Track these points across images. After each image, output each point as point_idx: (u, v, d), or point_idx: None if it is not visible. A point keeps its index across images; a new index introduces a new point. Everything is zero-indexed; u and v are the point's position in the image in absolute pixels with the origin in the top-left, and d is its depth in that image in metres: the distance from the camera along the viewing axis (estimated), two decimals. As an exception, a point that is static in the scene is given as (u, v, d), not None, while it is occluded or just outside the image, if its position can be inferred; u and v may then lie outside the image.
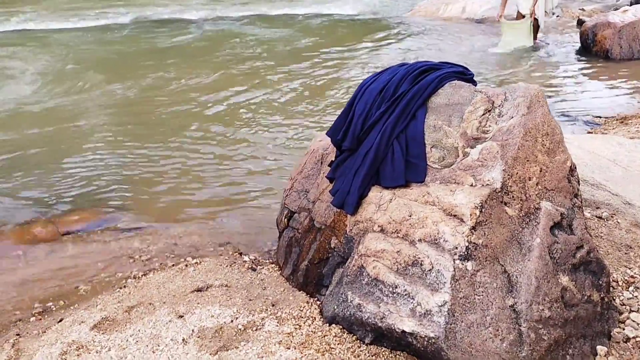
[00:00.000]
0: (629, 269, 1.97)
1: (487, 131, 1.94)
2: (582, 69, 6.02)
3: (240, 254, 2.77)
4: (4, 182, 3.57)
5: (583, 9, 8.94)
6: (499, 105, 1.97)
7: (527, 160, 1.85)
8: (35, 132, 4.46)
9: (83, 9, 10.86)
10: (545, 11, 6.96)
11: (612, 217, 2.24)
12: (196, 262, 2.64)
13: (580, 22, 7.79)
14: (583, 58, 6.44)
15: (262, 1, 12.31)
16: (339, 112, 4.21)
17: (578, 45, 6.83)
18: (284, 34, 8.55)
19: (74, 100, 5.29)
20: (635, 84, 5.34)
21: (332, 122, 2.32)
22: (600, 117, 4.47)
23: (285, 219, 2.53)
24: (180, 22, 9.75)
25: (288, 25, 9.35)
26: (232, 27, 9.16)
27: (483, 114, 1.98)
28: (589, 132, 4.09)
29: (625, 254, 2.04)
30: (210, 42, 8.01)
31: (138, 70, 6.34)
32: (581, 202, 1.92)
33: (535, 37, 7.03)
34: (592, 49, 6.55)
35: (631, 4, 8.18)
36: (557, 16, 8.70)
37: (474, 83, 2.24)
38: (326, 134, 2.41)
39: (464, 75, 2.25)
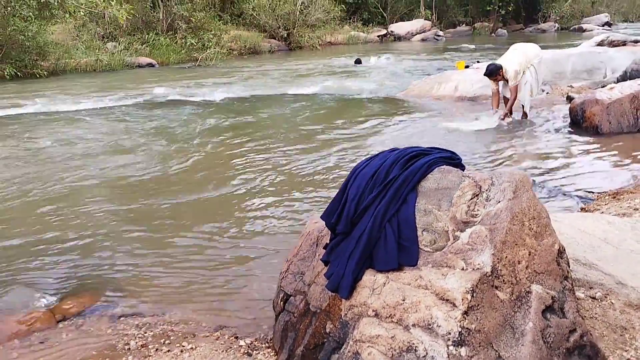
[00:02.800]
0: (625, 351, 1.96)
1: (476, 215, 1.99)
2: (573, 144, 6.17)
3: (237, 338, 2.75)
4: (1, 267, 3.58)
5: (571, 86, 9.26)
6: (486, 190, 2.04)
7: (516, 244, 1.90)
8: (34, 214, 4.52)
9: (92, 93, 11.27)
10: (531, 96, 7.25)
11: (605, 297, 2.25)
12: (191, 348, 2.62)
13: (569, 99, 8.06)
14: (573, 133, 6.61)
15: (260, 81, 12.81)
16: (332, 194, 4.30)
17: (568, 120, 7.03)
18: (279, 113, 8.83)
19: (73, 180, 5.40)
20: (625, 158, 5.46)
21: (326, 205, 2.38)
22: (593, 192, 4.54)
23: (281, 302, 2.53)
24: (178, 103, 10.11)
25: (282, 104, 9.67)
26: (227, 106, 9.48)
27: (471, 199, 2.04)
28: (582, 208, 4.15)
29: (621, 335, 2.04)
30: (189, 122, 8.24)
31: (135, 150, 6.51)
32: (572, 284, 1.95)
33: (525, 117, 7.28)
34: (582, 124, 6.75)
35: (617, 81, 8.49)
36: (547, 93, 9.01)
37: (462, 167, 2.32)
38: (320, 217, 2.47)
39: (452, 160, 2.34)
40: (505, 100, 7.22)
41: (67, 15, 15.58)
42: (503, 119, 7.05)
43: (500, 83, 7.11)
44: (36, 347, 2.67)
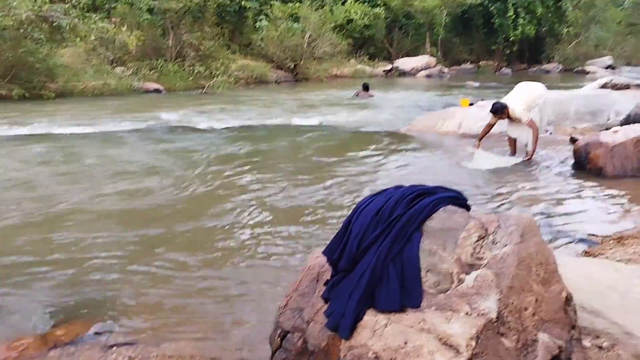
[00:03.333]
0: (634, 406, 1.89)
1: (481, 258, 1.95)
2: (576, 186, 6.14)
3: (231, 374, 2.67)
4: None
5: (575, 127, 9.29)
6: (493, 233, 2.00)
7: (522, 290, 1.85)
8: (29, 237, 4.47)
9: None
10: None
11: (612, 347, 2.18)
12: (185, 383, 2.54)
13: (573, 140, 8.07)
14: (577, 175, 6.59)
15: (265, 110, 12.89)
16: (333, 229, 4.25)
17: (571, 161, 7.02)
18: (281, 144, 8.85)
19: (70, 203, 5.37)
20: (629, 202, 5.42)
21: (328, 240, 2.34)
22: (596, 236, 4.49)
23: (279, 339, 2.47)
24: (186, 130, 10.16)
25: (286, 135, 9.69)
26: (230, 135, 9.51)
27: (477, 241, 2.00)
28: (585, 252, 4.09)
29: (629, 389, 1.97)
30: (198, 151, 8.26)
31: (134, 176, 6.49)
32: (579, 333, 1.89)
33: (529, 157, 7.28)
34: (585, 166, 6.73)
35: (621, 124, 8.52)
36: (550, 133, 9.03)
37: (468, 208, 2.29)
38: (322, 252, 2.43)
39: (458, 200, 2.31)
40: (510, 140, 7.24)
41: (78, 40, 15.80)
42: (528, 159, 7.06)
43: (507, 122, 7.13)
44: (25, 376, 2.60)
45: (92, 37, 16.98)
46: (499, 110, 6.94)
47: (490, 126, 7.24)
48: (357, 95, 15.68)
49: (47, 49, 15.31)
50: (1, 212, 5.12)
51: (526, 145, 7.29)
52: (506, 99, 7.13)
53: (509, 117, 6.99)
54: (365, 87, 15.69)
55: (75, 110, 12.85)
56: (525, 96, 7.04)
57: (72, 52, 18.27)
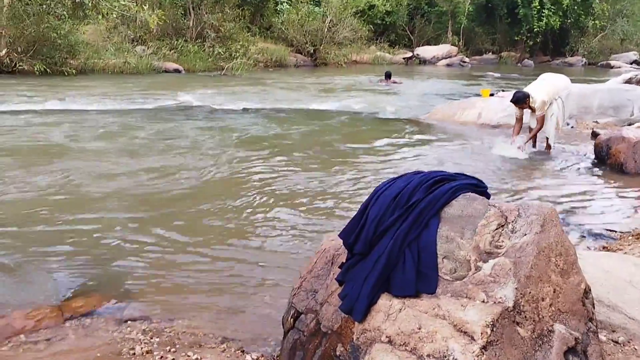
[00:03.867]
0: (648, 401, 1.87)
1: (500, 246, 1.93)
2: (596, 181, 6.06)
3: (243, 352, 2.69)
4: (12, 261, 3.58)
5: (597, 122, 9.14)
6: (512, 221, 1.97)
7: (540, 280, 1.83)
8: (49, 211, 4.53)
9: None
10: (557, 129, 7.15)
11: (629, 342, 2.16)
12: (197, 358, 2.57)
13: (594, 134, 7.94)
14: (597, 170, 6.49)
15: (283, 94, 12.86)
16: (349, 213, 4.25)
17: (592, 156, 6.92)
18: (300, 128, 8.82)
19: (91, 180, 5.42)
20: (651, 199, 5.33)
21: (344, 224, 2.33)
22: (615, 232, 4.43)
23: (292, 319, 2.48)
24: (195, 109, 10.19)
25: (304, 119, 9.67)
26: (248, 117, 9.51)
27: (496, 229, 1.98)
28: (604, 247, 4.04)
29: (644, 384, 1.95)
30: (215, 131, 8.27)
31: (154, 156, 6.54)
32: (596, 326, 1.87)
33: (549, 149, 7.18)
34: (606, 161, 6.63)
35: (644, 120, 8.37)
36: (572, 127, 8.90)
37: (488, 196, 2.26)
38: (338, 235, 2.42)
39: (478, 187, 2.28)
40: (531, 129, 7.14)
41: (100, 17, 15.86)
42: (519, 148, 6.95)
43: (527, 112, 7.02)
44: (41, 344, 2.65)
45: (114, 15, 17.02)
46: (520, 100, 6.83)
47: (519, 120, 7.09)
48: (380, 82, 15.68)
49: (69, 25, 15.39)
50: (27, 184, 5.20)
51: (547, 139, 7.19)
52: (528, 88, 7.01)
53: (529, 107, 6.87)
54: (388, 75, 15.66)
55: (102, 87, 12.95)
56: (549, 87, 6.92)
57: (94, 29, 18.37)
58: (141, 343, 2.68)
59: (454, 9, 30.18)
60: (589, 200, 5.34)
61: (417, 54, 28.50)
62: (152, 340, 2.72)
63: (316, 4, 24.89)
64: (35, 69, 14.28)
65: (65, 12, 15.02)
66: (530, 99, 6.78)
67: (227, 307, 3.17)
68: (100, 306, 3.04)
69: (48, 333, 2.73)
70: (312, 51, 23.72)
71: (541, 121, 6.87)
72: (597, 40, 31.21)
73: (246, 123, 9.10)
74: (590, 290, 1.93)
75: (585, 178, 6.15)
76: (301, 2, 24.39)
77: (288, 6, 24.48)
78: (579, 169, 6.56)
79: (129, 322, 2.90)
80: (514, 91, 7.49)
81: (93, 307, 3.01)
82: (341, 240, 2.38)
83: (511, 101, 6.99)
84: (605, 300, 2.38)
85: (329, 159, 6.71)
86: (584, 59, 30.35)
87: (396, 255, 2.10)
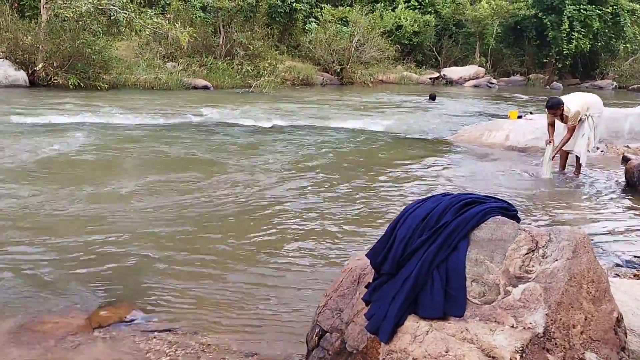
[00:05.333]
0: None
1: (530, 271, 1.91)
2: (627, 206, 5.94)
3: (266, 368, 2.70)
4: (45, 272, 3.66)
5: (628, 146, 8.97)
6: (543, 246, 1.96)
7: (572, 307, 1.80)
8: (81, 222, 4.63)
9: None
10: (588, 150, 7.04)
11: (662, 374, 2.10)
12: (221, 373, 2.58)
13: (625, 159, 7.80)
14: (628, 195, 6.37)
15: (309, 112, 12.96)
16: (375, 233, 4.23)
17: (623, 182, 6.79)
18: (326, 146, 8.86)
19: (121, 192, 5.53)
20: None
21: (370, 244, 2.33)
22: (647, 260, 4.33)
23: (316, 338, 2.48)
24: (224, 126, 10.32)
25: (330, 137, 9.72)
26: (276, 134, 9.60)
27: (526, 254, 1.97)
28: (635, 275, 3.95)
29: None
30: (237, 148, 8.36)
31: (184, 169, 6.64)
32: (628, 356, 1.83)
33: (578, 172, 7.07)
34: (637, 186, 6.49)
35: (678, 147, 8.19)
36: (602, 151, 8.76)
37: (517, 220, 2.25)
38: (366, 255, 2.43)
39: (508, 211, 2.27)
40: (562, 153, 7.04)
41: (133, 34, 16.29)
42: (549, 143, 6.85)
43: (559, 124, 6.92)
44: (70, 351, 2.69)
45: (147, 32, 17.45)
46: (555, 106, 6.72)
47: (551, 126, 6.95)
48: (424, 101, 16.12)
49: (104, 41, 15.83)
50: (61, 197, 5.33)
51: (577, 159, 7.08)
52: (564, 98, 6.93)
53: (561, 117, 6.76)
54: (432, 97, 15.96)
55: (127, 101, 13.24)
56: (583, 101, 6.85)
57: (127, 45, 18.85)
58: (167, 355, 2.71)
59: (482, 30, 30.12)
60: (619, 226, 5.24)
61: (444, 75, 28.45)
62: (177, 352, 2.75)
63: (344, 23, 25.13)
64: (70, 83, 14.69)
65: (100, 29, 15.47)
66: (565, 107, 6.68)
67: (250, 323, 3.18)
68: (127, 316, 3.09)
69: (77, 341, 2.78)
70: (338, 70, 23.90)
71: (571, 131, 6.77)
72: (629, 64, 30.75)
73: (279, 140, 9.19)
74: (622, 318, 1.90)
75: (616, 203, 6.04)
76: (329, 21, 24.65)
77: (316, 25, 24.76)
78: (609, 194, 6.44)
79: (155, 333, 2.94)
80: (543, 115, 7.42)
81: (121, 317, 3.05)
82: (367, 260, 2.38)
83: (546, 106, 6.91)
84: (637, 329, 2.33)
85: (355, 177, 6.72)
86: (615, 83, 29.90)
87: (424, 276, 2.10)
